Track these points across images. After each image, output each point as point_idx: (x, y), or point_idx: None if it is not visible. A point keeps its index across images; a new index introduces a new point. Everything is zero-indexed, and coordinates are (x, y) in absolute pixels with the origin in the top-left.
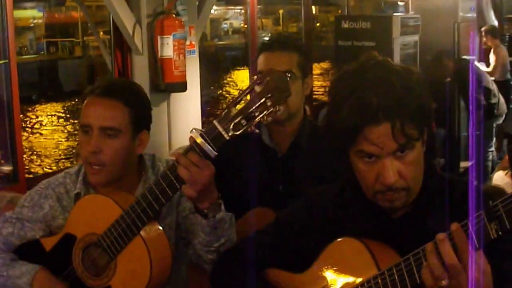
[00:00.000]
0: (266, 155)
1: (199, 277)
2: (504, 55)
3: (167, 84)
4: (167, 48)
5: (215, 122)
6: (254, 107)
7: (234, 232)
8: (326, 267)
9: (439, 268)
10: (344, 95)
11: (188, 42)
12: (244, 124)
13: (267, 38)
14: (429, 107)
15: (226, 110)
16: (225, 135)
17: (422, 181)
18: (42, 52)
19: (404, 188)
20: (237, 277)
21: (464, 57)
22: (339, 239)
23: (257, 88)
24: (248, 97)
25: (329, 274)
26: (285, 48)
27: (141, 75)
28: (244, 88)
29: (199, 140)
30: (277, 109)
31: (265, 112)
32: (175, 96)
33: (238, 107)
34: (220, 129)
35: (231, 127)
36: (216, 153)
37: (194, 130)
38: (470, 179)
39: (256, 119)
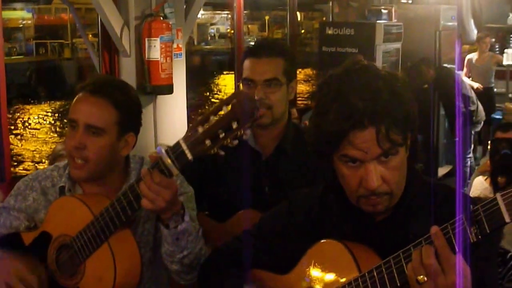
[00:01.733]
0: (251, 157)
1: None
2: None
3: (154, 86)
4: (154, 50)
5: (180, 140)
6: (219, 129)
7: (200, 245)
8: (308, 268)
9: (417, 262)
10: (330, 99)
11: (175, 45)
12: (208, 145)
13: (252, 43)
14: (414, 113)
15: (192, 129)
16: (189, 155)
17: (405, 185)
18: (32, 54)
19: (387, 192)
20: (223, 277)
21: (445, 65)
22: (321, 241)
23: (224, 109)
24: (219, 115)
25: (311, 276)
26: (271, 54)
27: (128, 77)
28: (225, 97)
29: (163, 157)
30: (242, 132)
31: (230, 134)
32: (162, 98)
33: (207, 125)
34: (184, 148)
35: (196, 146)
36: (178, 172)
37: (160, 146)
38: (458, 183)
39: (220, 141)
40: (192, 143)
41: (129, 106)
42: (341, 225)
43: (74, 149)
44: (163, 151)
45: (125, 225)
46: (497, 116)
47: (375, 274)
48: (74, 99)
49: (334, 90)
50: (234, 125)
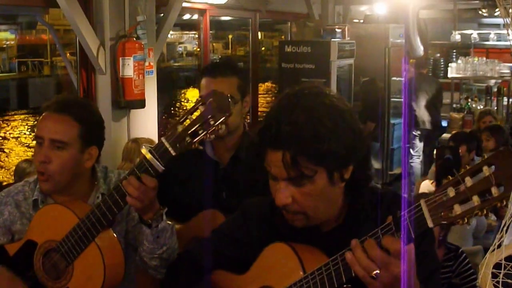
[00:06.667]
0: (210, 167)
1: (146, 279)
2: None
3: (127, 101)
4: (128, 68)
5: (162, 139)
6: (197, 126)
7: (175, 241)
8: (260, 270)
9: (365, 259)
10: (268, 114)
11: (147, 63)
12: (188, 141)
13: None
14: (338, 151)
15: (172, 128)
16: (172, 151)
17: (350, 199)
18: (14, 71)
19: (300, 212)
20: (186, 280)
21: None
22: (272, 244)
23: (201, 108)
24: (194, 115)
25: (263, 277)
26: (225, 73)
27: (104, 92)
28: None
29: (148, 156)
30: (219, 127)
31: (208, 131)
32: (135, 112)
33: (185, 124)
34: (167, 145)
35: (177, 144)
36: (163, 168)
37: (143, 147)
38: (403, 185)
39: (200, 137)
40: (173, 141)
41: (91, 121)
42: (292, 234)
43: (40, 163)
44: (147, 150)
45: (108, 225)
46: (443, 124)
47: (316, 275)
48: (40, 118)
49: (274, 107)
50: (212, 121)
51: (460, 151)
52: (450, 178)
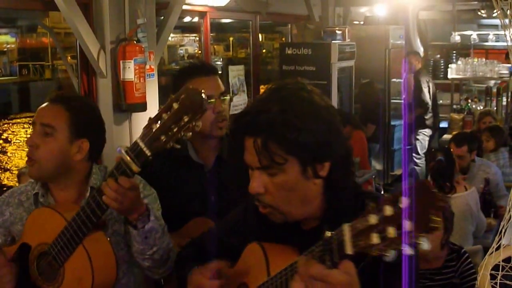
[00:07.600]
0: (195, 170)
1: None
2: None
3: (129, 105)
4: (129, 71)
5: (137, 139)
6: (172, 124)
7: (167, 241)
8: (242, 267)
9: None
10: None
11: (147, 66)
12: (164, 140)
13: (219, 63)
14: (312, 145)
15: (147, 128)
16: (147, 152)
17: (329, 198)
18: (16, 75)
19: (271, 206)
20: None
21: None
22: (250, 244)
23: (175, 105)
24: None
25: (241, 276)
26: (214, 73)
27: (105, 96)
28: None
29: (124, 157)
30: (194, 124)
31: (183, 128)
32: (136, 116)
33: (160, 122)
34: (142, 146)
35: (152, 143)
36: (140, 169)
37: (120, 148)
38: (404, 187)
39: (175, 135)
40: (148, 141)
41: (82, 112)
42: (277, 230)
43: (29, 147)
44: (123, 151)
45: (97, 227)
46: (443, 125)
47: (274, 280)
48: None
49: (256, 98)
50: (186, 119)
51: (461, 151)
52: (372, 206)
